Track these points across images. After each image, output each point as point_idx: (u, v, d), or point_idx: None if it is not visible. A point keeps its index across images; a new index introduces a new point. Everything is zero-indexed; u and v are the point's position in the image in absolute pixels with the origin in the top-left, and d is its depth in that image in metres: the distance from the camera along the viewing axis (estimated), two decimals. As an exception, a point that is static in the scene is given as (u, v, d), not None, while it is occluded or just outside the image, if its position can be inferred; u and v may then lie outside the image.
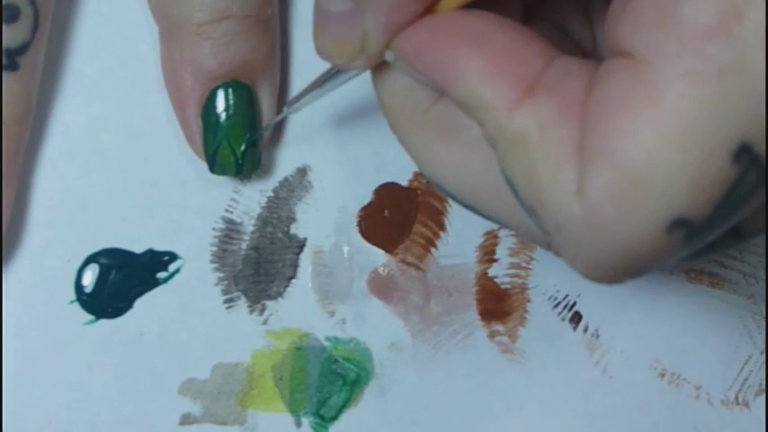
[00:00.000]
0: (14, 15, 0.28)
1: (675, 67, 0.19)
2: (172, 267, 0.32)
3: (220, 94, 0.30)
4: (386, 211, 0.33)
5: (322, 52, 0.24)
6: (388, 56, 0.23)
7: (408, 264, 0.33)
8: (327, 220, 0.33)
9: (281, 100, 0.32)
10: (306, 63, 0.32)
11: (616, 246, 0.20)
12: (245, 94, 0.30)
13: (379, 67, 0.24)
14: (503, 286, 0.33)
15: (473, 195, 0.24)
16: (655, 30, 0.19)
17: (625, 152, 0.19)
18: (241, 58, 0.30)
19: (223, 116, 0.30)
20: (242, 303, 0.32)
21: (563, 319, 0.33)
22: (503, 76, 0.21)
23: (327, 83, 0.26)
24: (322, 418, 0.32)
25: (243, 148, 0.30)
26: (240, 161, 0.30)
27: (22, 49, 0.29)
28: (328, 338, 0.32)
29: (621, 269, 0.21)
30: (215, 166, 0.31)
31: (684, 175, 0.19)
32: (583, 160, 0.20)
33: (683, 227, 0.20)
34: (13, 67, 0.29)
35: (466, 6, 0.22)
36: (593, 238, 0.20)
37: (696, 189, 0.19)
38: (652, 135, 0.19)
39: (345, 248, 0.33)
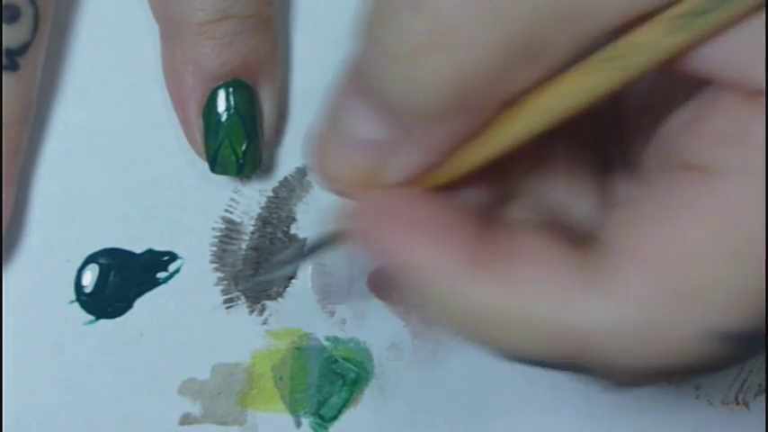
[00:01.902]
0: (15, 15, 0.28)
1: (745, 185, 0.19)
2: (172, 267, 0.32)
3: (221, 94, 0.30)
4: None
5: (326, 174, 0.23)
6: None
7: (408, 264, 0.33)
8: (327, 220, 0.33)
9: (282, 100, 0.32)
10: (306, 63, 0.32)
11: (658, 353, 0.20)
12: (246, 94, 0.30)
13: None
14: (503, 286, 0.33)
15: None
16: (733, 146, 0.19)
17: (677, 259, 0.19)
18: (242, 57, 0.30)
19: (224, 116, 0.30)
20: (242, 303, 0.32)
21: (563, 319, 0.33)
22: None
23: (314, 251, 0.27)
24: (322, 418, 0.32)
25: (244, 147, 0.30)
26: (241, 161, 0.30)
27: (23, 49, 0.29)
28: (328, 338, 0.32)
29: (661, 374, 0.20)
30: (216, 165, 0.31)
31: (732, 290, 0.19)
32: (613, 276, 0.19)
33: (730, 338, 0.19)
34: (14, 67, 0.29)
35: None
36: (632, 346, 0.20)
37: (745, 305, 0.19)
38: (707, 246, 0.19)
39: (345, 248, 0.33)
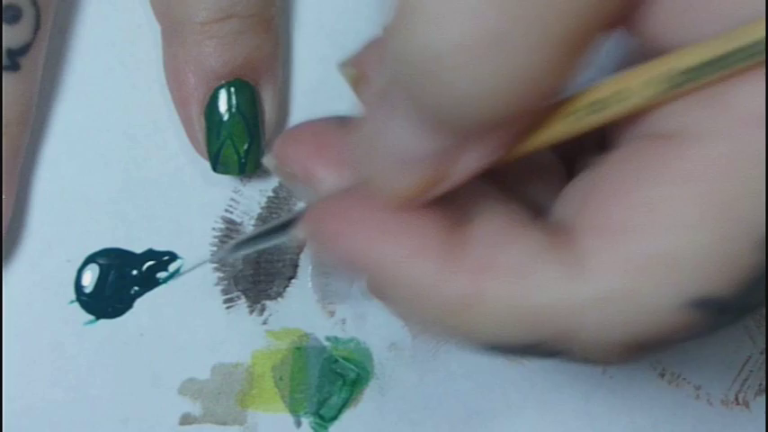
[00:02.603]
0: (16, 16, 0.28)
1: (716, 148, 0.18)
2: (172, 267, 0.32)
3: (224, 94, 0.30)
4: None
5: (392, 200, 0.21)
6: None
7: (408, 264, 0.33)
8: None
9: (283, 99, 0.32)
10: (307, 63, 0.32)
11: (636, 323, 0.19)
12: (248, 94, 0.30)
13: None
14: (503, 286, 0.33)
15: None
16: (703, 110, 0.19)
17: (647, 227, 0.19)
18: (245, 57, 0.30)
19: (226, 115, 0.30)
20: (242, 303, 0.32)
21: (563, 319, 0.33)
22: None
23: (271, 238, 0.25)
24: (322, 417, 0.32)
25: (246, 147, 0.30)
26: (243, 160, 0.30)
27: (24, 49, 0.29)
28: (328, 338, 0.32)
29: (642, 347, 0.20)
30: (218, 165, 0.30)
31: (707, 255, 0.19)
32: (586, 255, 0.19)
33: (708, 305, 0.19)
34: (15, 67, 0.29)
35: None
36: (610, 321, 0.19)
37: (720, 270, 0.19)
38: (680, 212, 0.19)
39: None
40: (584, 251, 0.19)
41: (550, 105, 0.20)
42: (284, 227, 0.24)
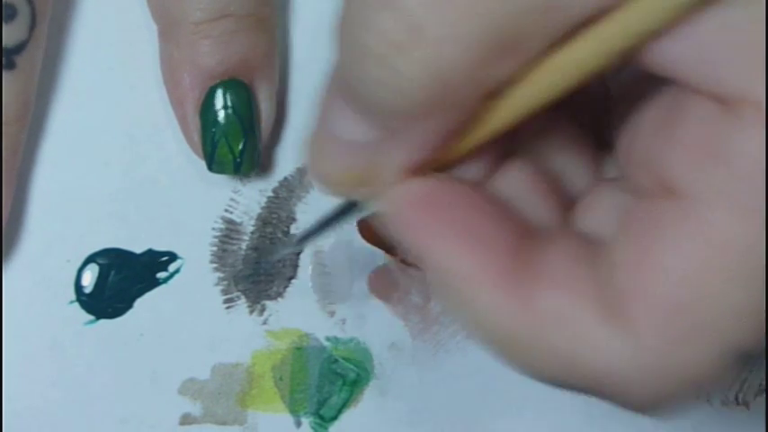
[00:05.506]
0: (11, 14, 0.28)
1: (728, 204, 0.18)
2: (172, 267, 0.32)
3: (218, 93, 0.30)
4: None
5: (322, 179, 0.22)
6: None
7: (408, 264, 0.33)
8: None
9: (281, 100, 0.32)
10: (306, 63, 0.32)
11: (675, 382, 0.20)
12: (243, 93, 0.30)
13: None
14: (503, 286, 0.33)
15: None
16: (707, 165, 0.18)
17: (679, 291, 0.19)
18: (239, 56, 0.30)
19: (221, 114, 0.30)
20: (242, 303, 0.32)
21: (563, 319, 0.33)
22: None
23: (333, 222, 0.25)
24: (322, 418, 0.32)
25: (241, 146, 0.30)
26: (238, 159, 0.30)
27: (19, 47, 0.29)
28: (328, 338, 0.32)
29: (680, 398, 0.20)
30: (213, 164, 0.30)
31: (742, 310, 0.19)
32: (624, 310, 0.19)
33: (742, 357, 0.19)
34: (10, 65, 0.29)
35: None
36: (649, 379, 0.20)
37: (753, 323, 0.19)
38: (706, 273, 0.18)
39: (345, 248, 0.33)
40: (626, 311, 0.19)
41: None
42: (347, 210, 0.24)
